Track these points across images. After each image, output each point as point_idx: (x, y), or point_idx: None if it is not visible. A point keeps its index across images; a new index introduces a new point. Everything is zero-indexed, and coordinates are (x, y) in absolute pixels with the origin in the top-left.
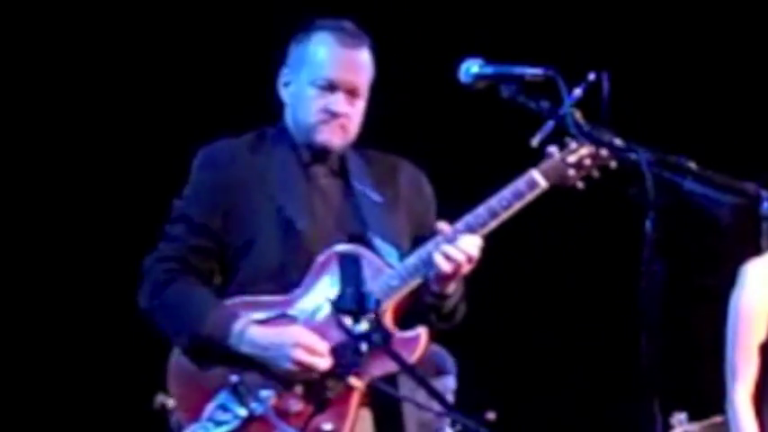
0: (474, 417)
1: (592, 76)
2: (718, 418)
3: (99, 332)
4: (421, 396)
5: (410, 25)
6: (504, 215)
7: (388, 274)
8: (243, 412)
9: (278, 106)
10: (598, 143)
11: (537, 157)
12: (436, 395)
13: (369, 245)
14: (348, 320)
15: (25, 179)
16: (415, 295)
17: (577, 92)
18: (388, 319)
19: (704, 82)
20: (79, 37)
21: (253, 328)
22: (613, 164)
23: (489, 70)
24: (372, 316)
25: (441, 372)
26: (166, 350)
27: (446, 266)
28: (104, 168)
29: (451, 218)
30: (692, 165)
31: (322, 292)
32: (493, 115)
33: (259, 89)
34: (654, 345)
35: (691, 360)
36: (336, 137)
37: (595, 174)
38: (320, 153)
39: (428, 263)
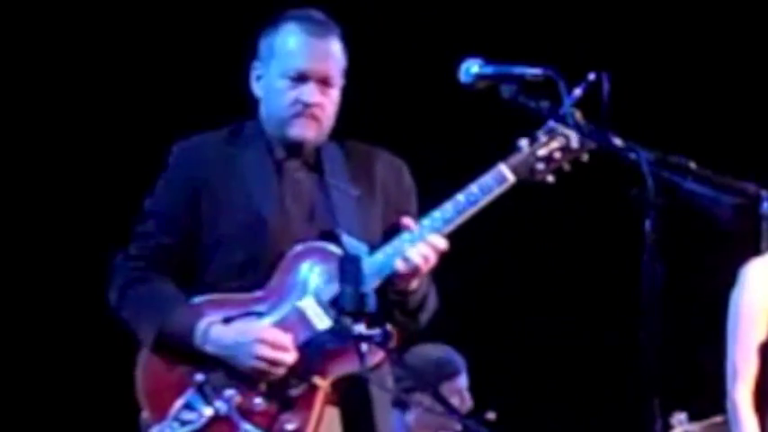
0: (474, 417)
1: (592, 76)
2: (718, 418)
3: (99, 332)
4: (426, 399)
5: (410, 25)
6: (472, 210)
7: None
8: (208, 411)
9: (253, 101)
10: (599, 143)
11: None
12: (437, 395)
13: (337, 240)
14: (348, 320)
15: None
16: (381, 293)
17: (577, 92)
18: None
19: (704, 82)
20: (50, 35)
21: (216, 327)
22: (585, 157)
23: (489, 70)
24: (344, 317)
25: (452, 373)
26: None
27: (404, 268)
28: (80, 167)
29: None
30: (692, 165)
31: (289, 289)
32: (493, 115)
33: (236, 84)
34: (654, 345)
35: (691, 360)
36: (310, 130)
37: (566, 167)
38: (294, 147)
39: (392, 260)
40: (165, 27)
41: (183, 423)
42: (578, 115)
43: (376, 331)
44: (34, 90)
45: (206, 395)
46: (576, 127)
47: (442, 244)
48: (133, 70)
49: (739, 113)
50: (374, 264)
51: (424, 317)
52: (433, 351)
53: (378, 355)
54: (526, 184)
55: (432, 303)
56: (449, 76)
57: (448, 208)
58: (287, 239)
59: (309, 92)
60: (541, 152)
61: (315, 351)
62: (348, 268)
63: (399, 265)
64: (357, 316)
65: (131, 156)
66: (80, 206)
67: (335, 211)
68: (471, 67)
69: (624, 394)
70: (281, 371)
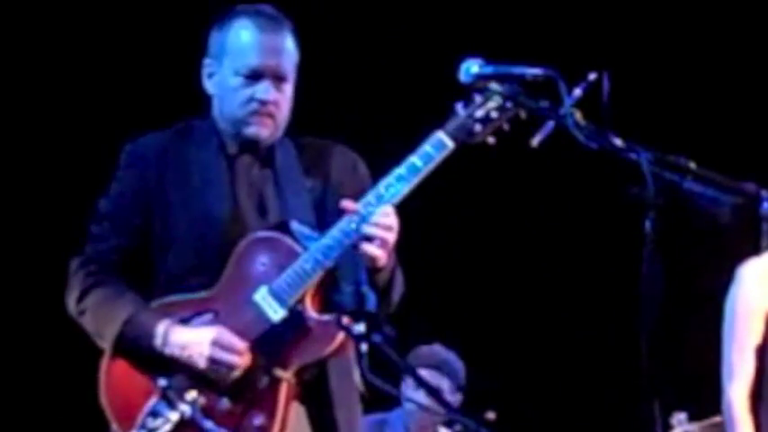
0: (474, 417)
1: (592, 76)
2: (718, 418)
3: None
4: (421, 396)
5: (410, 25)
6: (415, 180)
7: (302, 257)
8: (174, 416)
9: (203, 98)
10: (600, 144)
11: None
12: (434, 394)
13: (288, 231)
14: (347, 320)
15: None
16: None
17: (577, 92)
18: (308, 305)
19: (704, 82)
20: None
21: (174, 330)
22: (523, 114)
23: (489, 70)
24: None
25: (432, 366)
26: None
27: (373, 250)
28: (32, 169)
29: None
30: (692, 165)
31: (241, 283)
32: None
33: (186, 81)
34: (654, 345)
35: (691, 360)
36: (265, 128)
37: (506, 127)
38: (248, 144)
39: (341, 243)
40: (113, 27)
41: (151, 431)
42: (578, 115)
43: (376, 331)
44: None
45: (170, 400)
46: (577, 127)
47: (390, 211)
48: (80, 71)
49: (739, 113)
50: (320, 249)
51: (395, 297)
52: (434, 352)
53: (333, 343)
54: (467, 147)
55: (400, 283)
56: (449, 76)
57: (391, 181)
58: (240, 237)
59: (264, 89)
60: (478, 113)
61: (273, 343)
62: (348, 268)
63: (368, 248)
64: (357, 315)
65: (84, 155)
66: (40, 208)
67: (288, 205)
68: (471, 67)
69: (624, 394)
70: (235, 374)
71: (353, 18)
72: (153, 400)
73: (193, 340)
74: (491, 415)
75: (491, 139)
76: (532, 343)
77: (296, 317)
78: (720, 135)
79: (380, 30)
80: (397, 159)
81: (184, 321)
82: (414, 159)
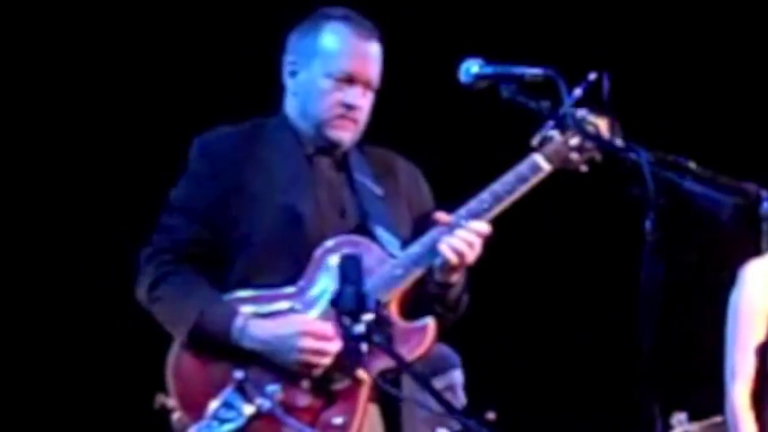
0: (474, 417)
1: (592, 76)
2: (718, 418)
3: (98, 331)
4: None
5: (410, 25)
6: (508, 200)
7: (391, 263)
8: (249, 409)
9: (276, 95)
10: (600, 144)
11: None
12: (435, 394)
13: (371, 235)
14: (347, 320)
15: (15, 175)
16: (420, 286)
17: (577, 92)
18: (393, 310)
19: (704, 82)
20: (71, 27)
21: (254, 323)
22: (618, 143)
23: (489, 70)
24: (371, 315)
25: (449, 366)
26: (166, 348)
27: (451, 255)
28: (97, 163)
29: (449, 210)
30: (692, 165)
31: (326, 283)
32: (493, 115)
33: (251, 79)
34: (654, 345)
35: (691, 360)
36: (348, 133)
37: (598, 157)
38: (327, 146)
39: (432, 251)
40: (179, 25)
41: (223, 422)
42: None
43: (377, 331)
44: (45, 87)
45: (246, 393)
46: (577, 127)
47: (485, 228)
48: (147, 67)
49: (739, 113)
50: (411, 256)
51: (461, 309)
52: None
53: (422, 347)
54: (562, 173)
55: (466, 299)
56: (449, 76)
57: (485, 197)
58: (320, 236)
59: (355, 95)
60: (573, 141)
61: (356, 345)
62: (348, 268)
63: (446, 251)
64: (357, 316)
65: (148, 151)
66: (96, 205)
67: (366, 209)
68: (471, 67)
69: (624, 394)
70: (325, 361)
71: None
72: (226, 392)
73: (280, 333)
74: (491, 415)
75: (584, 168)
76: (532, 342)
77: (382, 321)
78: (720, 135)
79: (380, 29)
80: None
81: (265, 316)
82: (509, 178)
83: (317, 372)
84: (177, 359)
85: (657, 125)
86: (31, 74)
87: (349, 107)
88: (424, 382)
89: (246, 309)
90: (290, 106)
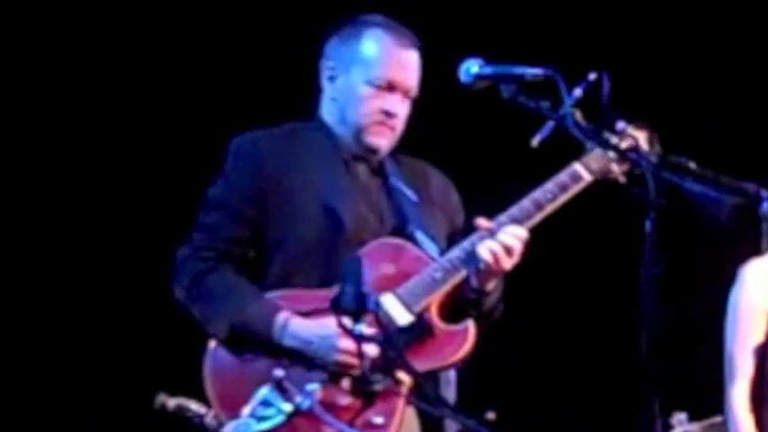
0: (474, 417)
1: (592, 76)
2: (718, 418)
3: (100, 332)
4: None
5: (410, 25)
6: (550, 208)
7: (431, 267)
8: (287, 407)
9: (310, 99)
10: (600, 144)
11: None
12: (436, 394)
13: (411, 238)
14: (348, 320)
15: (43, 171)
16: (457, 291)
17: (577, 92)
18: (433, 313)
19: (704, 82)
20: (107, 25)
21: (295, 321)
22: (654, 158)
23: (489, 70)
24: (410, 318)
25: None
26: (166, 349)
27: (490, 258)
28: (124, 163)
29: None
30: (692, 165)
31: (367, 285)
32: (493, 115)
33: (282, 83)
34: (654, 345)
35: (691, 360)
36: (386, 140)
37: (636, 170)
38: (364, 152)
39: (472, 256)
40: (212, 25)
41: (261, 419)
42: (578, 115)
43: (376, 331)
44: (90, 83)
45: (285, 391)
46: (577, 127)
47: (524, 233)
48: (177, 69)
49: (739, 113)
50: (451, 260)
51: (496, 316)
52: None
53: (462, 350)
54: (602, 183)
55: (501, 306)
56: (449, 76)
57: (526, 205)
58: (359, 240)
59: (395, 102)
60: (613, 153)
61: (396, 347)
62: (348, 268)
63: (485, 254)
64: (357, 315)
65: (178, 153)
66: (109, 209)
67: (405, 213)
68: (471, 67)
69: (624, 394)
70: (365, 363)
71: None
72: (265, 389)
73: (321, 332)
74: (491, 415)
75: (622, 179)
76: (531, 342)
77: (422, 324)
78: (720, 135)
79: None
80: None
81: (303, 315)
82: (550, 186)
83: (356, 372)
84: (214, 357)
85: (657, 125)
86: (51, 73)
87: (388, 114)
88: (422, 381)
89: (288, 307)
90: (328, 111)
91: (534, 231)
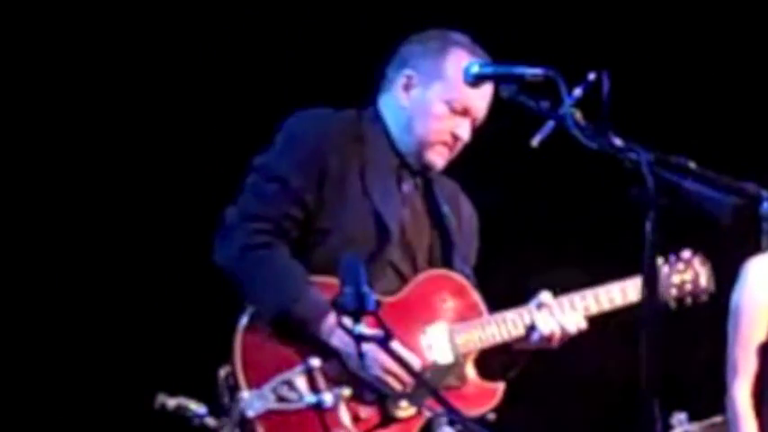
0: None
1: (592, 76)
2: (718, 418)
3: (100, 332)
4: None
5: (410, 25)
6: (605, 309)
7: (484, 320)
8: (311, 398)
9: (367, 93)
10: (600, 144)
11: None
12: (437, 395)
13: (450, 264)
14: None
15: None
16: (495, 349)
17: (577, 92)
18: (470, 362)
19: (704, 82)
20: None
21: (341, 333)
22: (704, 298)
23: (489, 70)
24: (450, 359)
25: None
26: (166, 348)
27: (549, 335)
28: (129, 170)
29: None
30: (692, 165)
31: (420, 308)
32: (493, 115)
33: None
34: (654, 345)
35: (691, 360)
36: (444, 160)
37: (689, 301)
38: (419, 166)
39: (533, 326)
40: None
41: (281, 398)
42: (578, 115)
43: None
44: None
45: (314, 381)
46: (577, 127)
47: (584, 325)
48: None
49: (739, 113)
50: (506, 322)
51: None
52: None
53: (487, 406)
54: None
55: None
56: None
57: (589, 298)
58: (401, 254)
59: (465, 129)
60: (675, 279)
61: (430, 381)
62: (348, 267)
63: (547, 332)
64: (357, 316)
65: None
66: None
67: (450, 240)
68: (471, 67)
69: (624, 394)
70: (399, 388)
71: (352, 17)
72: (294, 372)
73: (372, 346)
74: (491, 415)
75: (673, 304)
76: None
77: (458, 368)
78: (720, 135)
79: (379, 30)
80: None
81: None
82: (613, 290)
83: (386, 392)
84: (252, 323)
85: (657, 125)
86: (69, 54)
87: (455, 137)
88: (425, 383)
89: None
90: (394, 116)
91: (535, 232)
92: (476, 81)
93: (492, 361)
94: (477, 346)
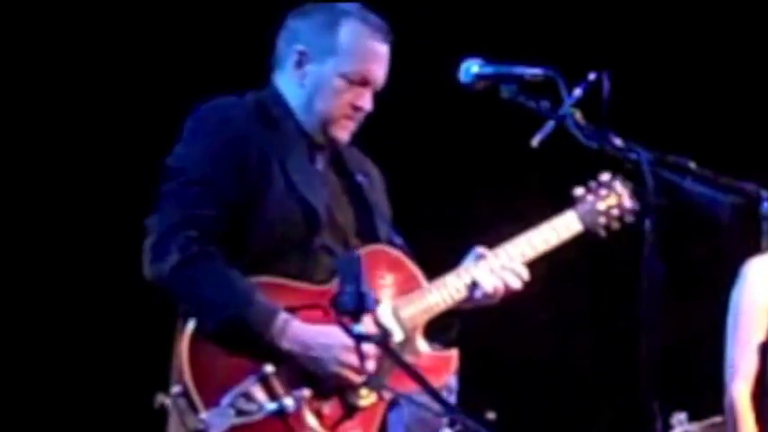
0: (474, 417)
1: (592, 76)
2: (718, 418)
3: (100, 332)
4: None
5: (410, 25)
6: (542, 250)
7: (425, 290)
8: (271, 406)
9: (263, 71)
10: (600, 144)
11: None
12: (435, 395)
13: (375, 229)
14: (348, 321)
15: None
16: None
17: (577, 92)
18: (420, 334)
19: (704, 82)
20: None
21: (295, 324)
22: (630, 219)
23: (489, 70)
24: (401, 337)
25: None
26: (168, 350)
27: (492, 291)
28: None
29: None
30: (692, 165)
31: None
32: (493, 115)
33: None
34: (654, 345)
35: (691, 360)
36: (348, 133)
37: (616, 226)
38: (325, 141)
39: (474, 285)
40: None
41: (240, 412)
42: (578, 115)
43: (376, 332)
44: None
45: (271, 388)
46: (577, 127)
47: (526, 275)
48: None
49: (739, 113)
50: (448, 287)
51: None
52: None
53: (446, 375)
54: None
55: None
56: (449, 76)
57: (522, 244)
58: (330, 233)
59: (367, 99)
60: (601, 206)
61: (386, 364)
62: (348, 267)
63: (489, 289)
64: (357, 315)
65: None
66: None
67: (369, 208)
68: (471, 67)
69: (625, 394)
70: (360, 380)
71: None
72: (248, 383)
73: (324, 341)
74: (491, 415)
75: (602, 232)
76: (531, 342)
77: (409, 344)
78: (720, 135)
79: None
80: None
81: (291, 310)
82: (544, 230)
83: (347, 386)
84: (196, 339)
85: (657, 125)
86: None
87: (357, 109)
88: (425, 383)
89: (274, 298)
90: (293, 95)
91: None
92: (474, 81)
93: (434, 324)
94: (424, 317)
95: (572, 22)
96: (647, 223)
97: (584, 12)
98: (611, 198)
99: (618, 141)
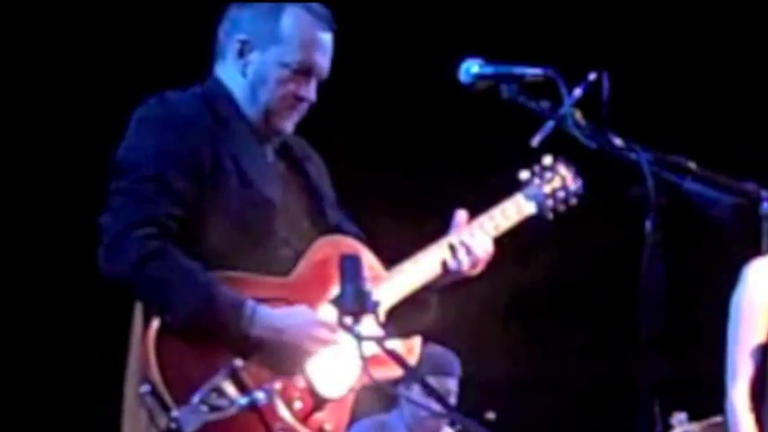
0: (474, 417)
1: (592, 76)
2: (718, 419)
3: (100, 332)
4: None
5: (410, 25)
6: (505, 226)
7: (394, 273)
8: (243, 400)
9: (205, 61)
10: (600, 144)
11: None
12: (435, 395)
13: (326, 218)
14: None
15: None
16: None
17: (577, 92)
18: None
19: (704, 82)
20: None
21: (263, 310)
22: (574, 201)
23: (489, 70)
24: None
25: (442, 372)
26: None
27: (464, 266)
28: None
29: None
30: (692, 165)
31: (321, 282)
32: (493, 115)
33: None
34: (654, 345)
35: (691, 360)
36: (293, 122)
37: (562, 208)
38: (269, 132)
39: (443, 263)
40: None
41: (213, 408)
42: (578, 115)
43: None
44: None
45: (241, 382)
46: (577, 127)
47: (491, 247)
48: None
49: (739, 113)
50: (417, 268)
51: (431, 316)
52: (430, 349)
53: (414, 364)
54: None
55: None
56: (449, 76)
57: (487, 225)
58: (287, 226)
59: (310, 89)
60: (547, 189)
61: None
62: (348, 267)
63: (453, 265)
64: (357, 315)
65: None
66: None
67: (320, 197)
68: (471, 67)
69: (624, 394)
70: (333, 348)
71: (352, 17)
72: (218, 378)
73: (293, 321)
74: (491, 415)
75: (550, 215)
76: (531, 342)
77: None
78: (720, 135)
79: (379, 30)
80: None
81: (259, 301)
82: (496, 215)
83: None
84: (162, 337)
85: (657, 125)
86: None
87: (301, 99)
88: (425, 384)
89: (243, 292)
90: (236, 85)
91: (535, 233)
92: (475, 81)
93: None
94: (386, 306)
95: (572, 22)
96: (648, 224)
97: (583, 12)
98: (556, 180)
99: (618, 141)
